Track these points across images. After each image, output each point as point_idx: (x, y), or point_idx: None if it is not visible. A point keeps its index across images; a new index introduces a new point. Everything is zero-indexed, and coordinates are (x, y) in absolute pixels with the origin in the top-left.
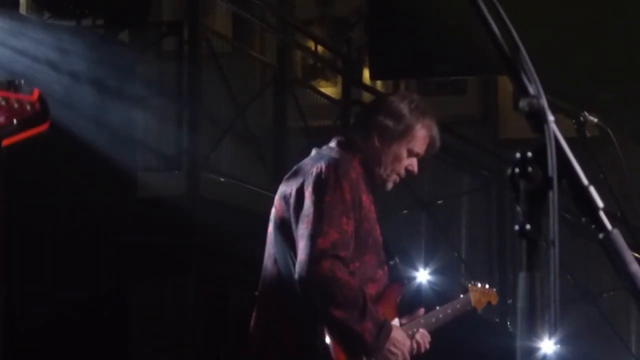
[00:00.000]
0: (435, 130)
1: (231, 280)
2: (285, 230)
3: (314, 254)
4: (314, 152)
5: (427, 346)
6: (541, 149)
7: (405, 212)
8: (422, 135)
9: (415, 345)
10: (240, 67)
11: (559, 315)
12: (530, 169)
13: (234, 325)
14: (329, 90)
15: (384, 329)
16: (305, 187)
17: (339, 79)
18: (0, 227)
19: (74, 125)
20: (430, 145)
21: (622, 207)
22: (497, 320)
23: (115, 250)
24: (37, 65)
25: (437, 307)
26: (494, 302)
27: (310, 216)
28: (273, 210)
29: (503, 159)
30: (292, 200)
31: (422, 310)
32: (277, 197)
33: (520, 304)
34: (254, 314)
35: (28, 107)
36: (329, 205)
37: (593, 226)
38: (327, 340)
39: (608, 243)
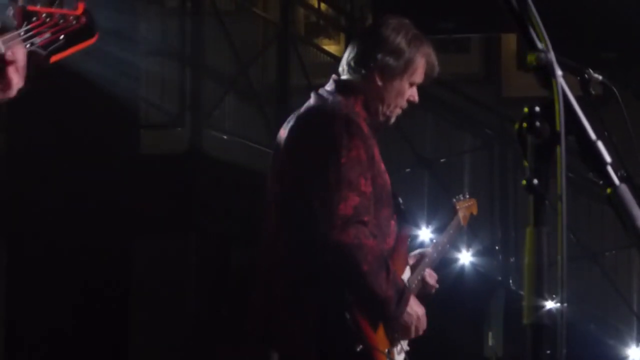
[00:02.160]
0: (433, 56)
1: (233, 237)
2: (295, 191)
3: (338, 222)
4: (312, 98)
5: (436, 285)
6: (549, 104)
7: (407, 170)
8: (422, 65)
9: (427, 286)
10: (243, 24)
11: (566, 271)
12: (538, 123)
13: (236, 281)
14: (332, 48)
15: (404, 296)
16: (316, 147)
17: (342, 36)
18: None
19: (76, 80)
20: (428, 71)
21: (626, 166)
22: (500, 278)
23: (118, 207)
24: None
25: (434, 242)
26: (475, 211)
27: (328, 180)
28: (276, 165)
29: (506, 117)
30: (300, 159)
31: (428, 250)
32: (281, 150)
33: (527, 259)
34: (257, 290)
35: (74, 22)
36: (345, 168)
37: (600, 181)
38: (354, 310)
39: (615, 198)
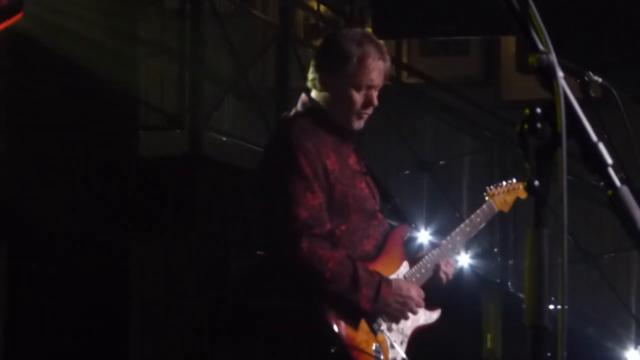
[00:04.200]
0: (375, 55)
1: (233, 239)
2: (259, 210)
3: (289, 238)
4: (281, 118)
5: (453, 272)
6: (550, 106)
7: (407, 172)
8: (363, 67)
9: (443, 276)
10: (243, 26)
11: (567, 272)
12: (539, 124)
13: (235, 282)
14: None
15: (381, 288)
16: (265, 170)
17: None
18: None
19: (76, 82)
20: (373, 71)
21: (625, 169)
22: (498, 280)
23: (117, 208)
24: None
25: (455, 230)
26: (523, 195)
27: (274, 200)
28: None
29: (505, 120)
30: (257, 181)
31: (433, 245)
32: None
33: (528, 261)
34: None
35: None
36: (289, 187)
37: (601, 183)
38: (332, 316)
39: (616, 200)
